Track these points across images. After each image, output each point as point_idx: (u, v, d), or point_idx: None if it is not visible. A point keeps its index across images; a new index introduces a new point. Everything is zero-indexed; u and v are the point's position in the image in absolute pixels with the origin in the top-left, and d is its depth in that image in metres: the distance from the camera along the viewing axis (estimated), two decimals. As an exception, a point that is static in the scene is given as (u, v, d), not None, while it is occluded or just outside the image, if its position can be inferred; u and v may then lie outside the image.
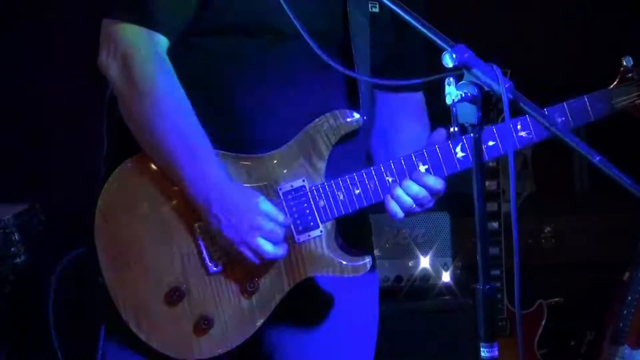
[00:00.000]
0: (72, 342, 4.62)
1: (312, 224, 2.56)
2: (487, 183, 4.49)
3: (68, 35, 5.47)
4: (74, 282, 4.55)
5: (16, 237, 4.39)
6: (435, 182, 2.56)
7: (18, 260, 4.39)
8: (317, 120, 2.56)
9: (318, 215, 2.56)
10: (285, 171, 2.56)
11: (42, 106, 5.50)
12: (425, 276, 4.58)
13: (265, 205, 2.49)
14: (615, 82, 2.60)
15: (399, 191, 2.54)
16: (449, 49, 2.10)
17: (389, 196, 2.55)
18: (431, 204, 2.59)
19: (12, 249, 4.37)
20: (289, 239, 2.54)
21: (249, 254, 2.49)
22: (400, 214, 2.56)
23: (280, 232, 2.50)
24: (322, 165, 2.57)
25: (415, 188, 2.54)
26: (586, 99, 2.58)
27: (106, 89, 2.66)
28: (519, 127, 2.56)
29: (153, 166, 2.53)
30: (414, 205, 2.55)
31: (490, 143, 2.56)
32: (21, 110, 5.42)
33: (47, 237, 4.55)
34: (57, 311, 4.55)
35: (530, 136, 2.57)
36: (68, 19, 5.36)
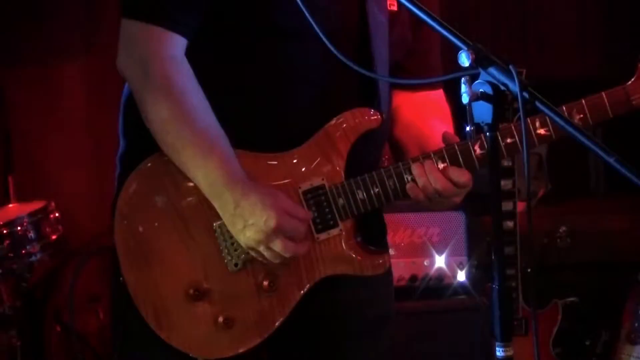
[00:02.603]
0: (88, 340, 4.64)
1: (331, 222, 2.55)
2: (502, 182, 4.47)
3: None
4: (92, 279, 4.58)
5: (32, 235, 4.40)
6: (459, 175, 2.54)
7: (34, 258, 4.40)
8: (337, 118, 2.56)
9: (337, 214, 2.55)
10: (304, 169, 2.55)
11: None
12: (440, 275, 4.56)
13: (285, 203, 2.48)
14: (633, 79, 2.58)
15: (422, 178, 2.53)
16: (465, 48, 2.10)
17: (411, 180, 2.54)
18: (459, 198, 2.58)
19: (28, 247, 4.38)
20: (309, 236, 2.53)
21: (268, 254, 2.48)
22: (420, 196, 2.54)
23: (301, 229, 2.49)
24: (341, 164, 2.57)
25: (439, 179, 2.52)
26: (604, 96, 2.57)
27: (122, 89, 2.66)
28: (537, 124, 2.55)
29: (172, 166, 2.52)
30: (438, 194, 2.54)
31: (509, 140, 2.55)
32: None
33: (62, 235, 4.56)
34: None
35: (549, 133, 2.56)
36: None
